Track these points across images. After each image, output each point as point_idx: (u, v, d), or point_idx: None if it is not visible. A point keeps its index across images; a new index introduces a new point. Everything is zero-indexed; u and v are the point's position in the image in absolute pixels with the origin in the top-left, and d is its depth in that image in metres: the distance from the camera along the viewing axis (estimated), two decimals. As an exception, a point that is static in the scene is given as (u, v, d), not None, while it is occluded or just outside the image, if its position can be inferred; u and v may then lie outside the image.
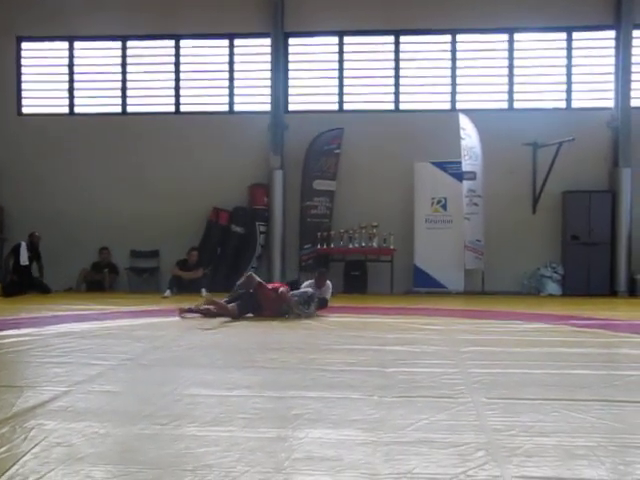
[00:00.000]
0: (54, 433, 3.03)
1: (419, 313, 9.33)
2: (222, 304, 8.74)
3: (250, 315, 8.66)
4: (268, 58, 14.66)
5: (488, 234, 13.66)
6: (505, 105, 14.48)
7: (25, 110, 15.36)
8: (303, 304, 8.77)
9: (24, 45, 15.30)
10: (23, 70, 15.35)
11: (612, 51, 14.25)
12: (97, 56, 15.34)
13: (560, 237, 14.00)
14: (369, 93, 14.86)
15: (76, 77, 15.32)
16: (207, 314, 8.72)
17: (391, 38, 14.67)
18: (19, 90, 15.29)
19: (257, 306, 8.76)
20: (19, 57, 15.26)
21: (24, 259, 13.19)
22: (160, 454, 2.78)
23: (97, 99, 15.29)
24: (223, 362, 5.11)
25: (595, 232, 13.61)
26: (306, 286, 9.82)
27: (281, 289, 8.95)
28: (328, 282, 10.13)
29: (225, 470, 2.57)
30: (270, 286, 9.22)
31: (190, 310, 8.85)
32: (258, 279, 9.12)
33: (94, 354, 5.30)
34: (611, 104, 14.16)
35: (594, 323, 8.03)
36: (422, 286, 13.64)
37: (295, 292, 9.03)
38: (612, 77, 14.23)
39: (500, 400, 3.75)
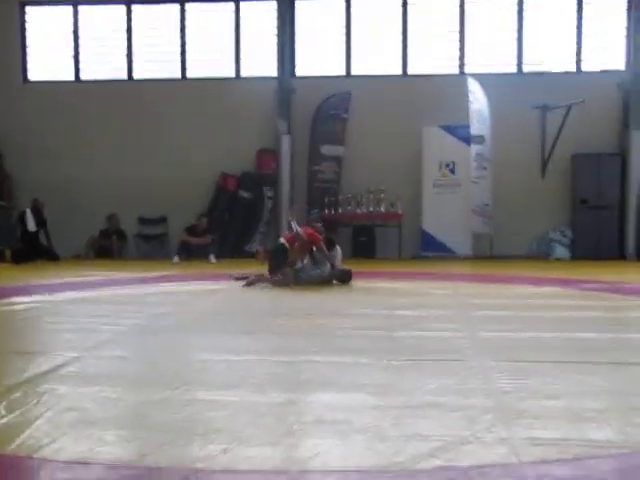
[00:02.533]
0: (66, 398, 3.06)
1: (427, 277, 9.34)
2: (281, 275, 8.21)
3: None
4: (274, 22, 14.53)
5: (496, 198, 13.62)
6: (514, 68, 14.35)
7: (31, 77, 15.30)
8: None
9: (28, 10, 15.19)
10: (27, 36, 15.26)
11: (623, 12, 14.05)
12: (102, 21, 15.23)
13: (569, 201, 13.97)
14: (376, 57, 14.74)
15: (81, 43, 15.23)
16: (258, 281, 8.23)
17: (399, 1, 14.51)
18: (24, 57, 15.22)
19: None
20: (23, 23, 15.17)
21: (31, 225, 13.25)
22: (170, 418, 2.80)
23: (103, 65, 15.20)
24: (233, 327, 5.13)
25: (604, 195, 13.55)
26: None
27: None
28: (338, 247, 10.07)
29: (235, 434, 2.59)
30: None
31: (242, 277, 8.37)
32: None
33: (104, 320, 5.33)
34: (622, 66, 14.00)
35: (603, 287, 8.01)
36: (430, 250, 13.65)
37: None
38: (623, 39, 14.05)
39: (508, 363, 3.76)
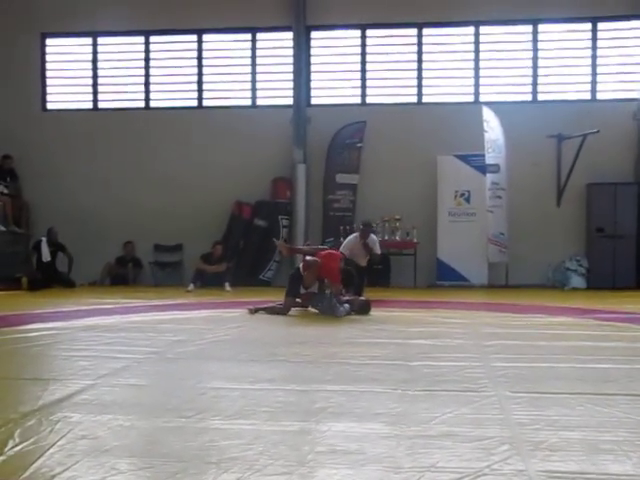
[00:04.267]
0: (80, 425, 3.06)
1: (442, 307, 9.29)
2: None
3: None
4: (290, 52, 14.68)
5: (512, 227, 13.58)
6: (529, 97, 14.40)
7: (49, 106, 15.50)
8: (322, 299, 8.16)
9: (48, 41, 15.45)
10: (47, 66, 15.49)
11: (638, 41, 14.08)
12: (120, 51, 15.44)
13: (585, 230, 13.90)
14: (392, 86, 14.82)
15: (100, 72, 15.45)
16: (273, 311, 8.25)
17: (414, 31, 14.63)
18: (44, 86, 15.46)
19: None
20: (44, 53, 15.43)
21: (45, 256, 13.33)
22: (184, 446, 2.79)
23: (120, 94, 15.38)
24: (246, 355, 5.12)
25: (620, 224, 13.48)
26: (349, 241, 9.72)
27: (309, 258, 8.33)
28: (373, 236, 10.07)
29: (249, 463, 2.57)
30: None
31: (258, 309, 8.32)
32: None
33: (119, 347, 5.33)
34: (637, 95, 14.00)
35: (620, 317, 7.95)
36: (445, 279, 13.61)
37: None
38: (638, 68, 14.07)
39: (524, 394, 3.73)
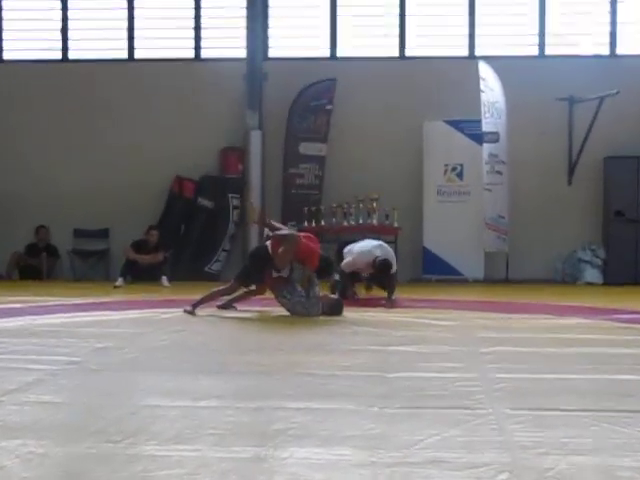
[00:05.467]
0: (-19, 453, 3.03)
1: (429, 305, 9.34)
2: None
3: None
4: (243, -9, 14.57)
5: (514, 209, 13.69)
6: (535, 50, 14.46)
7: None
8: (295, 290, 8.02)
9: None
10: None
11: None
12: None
13: (601, 213, 14.04)
14: (368, 36, 14.81)
15: (4, 16, 15.21)
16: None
17: (395, -33, 14.61)
18: None
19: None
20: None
21: None
22: (112, 478, 2.78)
23: (31, 42, 15.17)
24: (189, 366, 5.11)
25: (644, 207, 13.61)
26: (353, 261, 9.71)
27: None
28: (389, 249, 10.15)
29: (191, 497, 2.57)
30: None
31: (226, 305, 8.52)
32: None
33: (30, 357, 5.28)
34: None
35: (642, 318, 8.06)
36: (433, 273, 13.70)
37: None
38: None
39: (527, 411, 3.77)
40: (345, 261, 9.88)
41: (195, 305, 8.20)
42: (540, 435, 3.35)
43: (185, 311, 8.13)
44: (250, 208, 9.52)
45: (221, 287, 8.71)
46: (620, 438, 3.34)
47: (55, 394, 4.19)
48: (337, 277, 9.88)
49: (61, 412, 3.83)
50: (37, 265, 14.16)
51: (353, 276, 10.00)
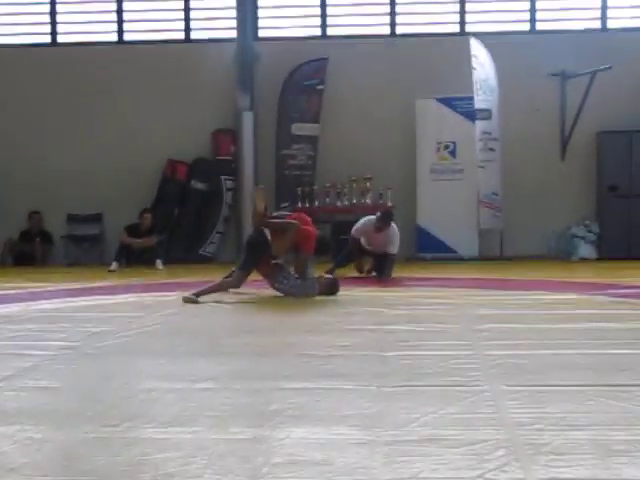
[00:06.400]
0: (-21, 439, 3.04)
1: (424, 284, 9.37)
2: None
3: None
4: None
5: (507, 186, 13.67)
6: (526, 26, 14.40)
7: None
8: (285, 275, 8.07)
9: None
10: None
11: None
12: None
13: (595, 189, 14.03)
14: (359, 14, 14.73)
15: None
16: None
17: (385, -55, 14.53)
18: None
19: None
20: None
21: None
22: (110, 462, 2.79)
23: (19, 27, 15.08)
24: (185, 349, 5.12)
25: (637, 182, 13.61)
26: (363, 224, 9.94)
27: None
28: (394, 226, 10.06)
29: (190, 479, 2.58)
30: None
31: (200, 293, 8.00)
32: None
33: (26, 342, 5.29)
34: (657, 23, 14.10)
35: (637, 292, 8.08)
36: (427, 251, 13.68)
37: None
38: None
39: (523, 388, 3.78)
40: (355, 227, 10.37)
41: (199, 294, 7.84)
42: (536, 411, 3.36)
43: (185, 299, 7.73)
44: (258, 194, 8.95)
45: (228, 279, 8.36)
46: (616, 412, 3.36)
47: (52, 379, 4.19)
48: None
49: (58, 397, 3.84)
50: (31, 251, 14.12)
51: (361, 251, 10.36)
